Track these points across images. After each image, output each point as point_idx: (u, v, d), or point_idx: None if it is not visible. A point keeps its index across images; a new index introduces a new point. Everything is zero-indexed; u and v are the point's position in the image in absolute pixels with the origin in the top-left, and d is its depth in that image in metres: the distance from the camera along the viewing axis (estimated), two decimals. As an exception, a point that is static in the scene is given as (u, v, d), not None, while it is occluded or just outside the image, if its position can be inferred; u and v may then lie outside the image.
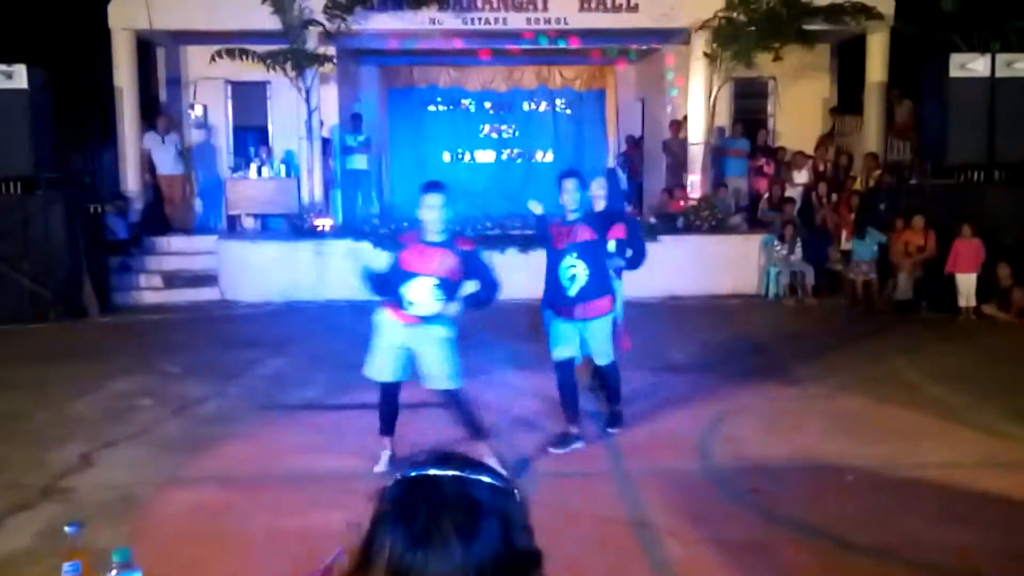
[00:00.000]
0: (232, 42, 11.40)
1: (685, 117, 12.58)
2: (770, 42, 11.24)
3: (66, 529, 1.99)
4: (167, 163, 12.16)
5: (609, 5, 11.78)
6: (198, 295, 10.78)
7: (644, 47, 13.92)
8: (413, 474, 1.00)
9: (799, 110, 13.52)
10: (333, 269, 10.63)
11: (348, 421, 5.75)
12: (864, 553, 3.83)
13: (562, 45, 12.86)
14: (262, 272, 10.79)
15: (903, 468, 4.82)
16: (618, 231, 5.59)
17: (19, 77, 9.62)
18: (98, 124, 12.08)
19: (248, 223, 12.34)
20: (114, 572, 1.85)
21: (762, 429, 5.60)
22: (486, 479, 1.02)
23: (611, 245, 5.51)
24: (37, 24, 12.25)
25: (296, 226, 11.36)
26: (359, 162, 12.90)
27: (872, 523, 4.10)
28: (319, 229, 11.28)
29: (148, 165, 12.12)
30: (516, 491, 1.04)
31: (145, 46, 12.37)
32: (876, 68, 12.16)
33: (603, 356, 5.34)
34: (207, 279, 10.97)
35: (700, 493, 4.57)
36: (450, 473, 1.01)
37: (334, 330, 8.72)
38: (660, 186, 13.09)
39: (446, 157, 15.64)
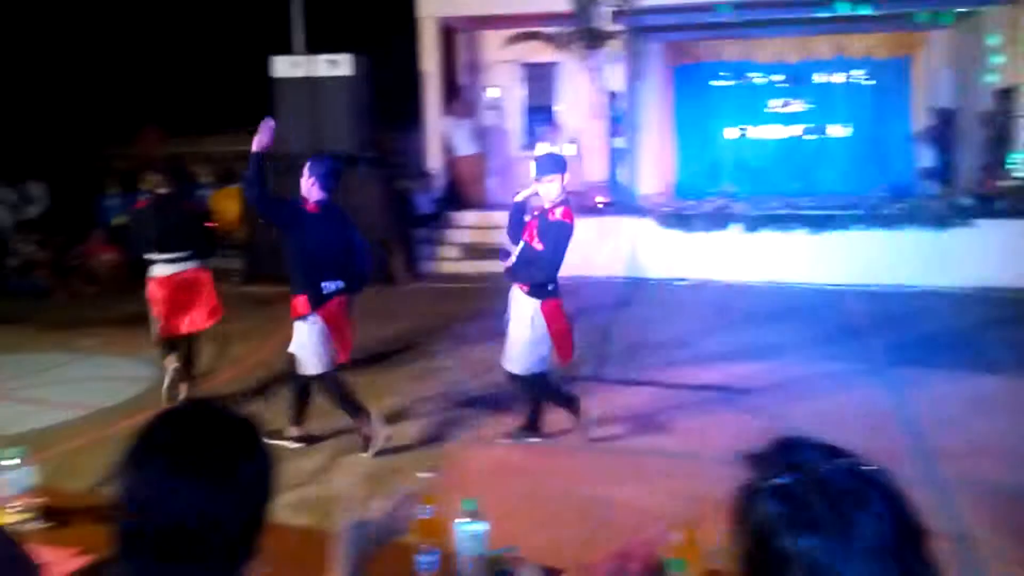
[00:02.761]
0: (525, 26, 11.88)
1: (1012, 87, 11.17)
2: None
3: (419, 475, 2.26)
4: (463, 144, 12.97)
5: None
6: (491, 266, 11.42)
7: (961, 10, 12.51)
8: (790, 479, 0.99)
9: None
10: (612, 246, 10.81)
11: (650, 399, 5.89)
12: None
13: (865, 12, 11.90)
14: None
15: None
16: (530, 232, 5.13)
17: (344, 65, 10.77)
18: (406, 106, 13.15)
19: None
20: (463, 520, 2.04)
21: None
22: (852, 460, 1.02)
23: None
24: (354, 15, 13.56)
25: (580, 204, 11.63)
26: (618, 141, 12.92)
27: None
28: (599, 206, 11.48)
29: (446, 147, 13.03)
30: (876, 466, 1.04)
31: (447, 33, 13.26)
32: None
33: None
34: (499, 252, 11.54)
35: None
36: (830, 465, 1.01)
37: (621, 307, 8.87)
38: (976, 163, 11.78)
39: (731, 133, 15.19)
